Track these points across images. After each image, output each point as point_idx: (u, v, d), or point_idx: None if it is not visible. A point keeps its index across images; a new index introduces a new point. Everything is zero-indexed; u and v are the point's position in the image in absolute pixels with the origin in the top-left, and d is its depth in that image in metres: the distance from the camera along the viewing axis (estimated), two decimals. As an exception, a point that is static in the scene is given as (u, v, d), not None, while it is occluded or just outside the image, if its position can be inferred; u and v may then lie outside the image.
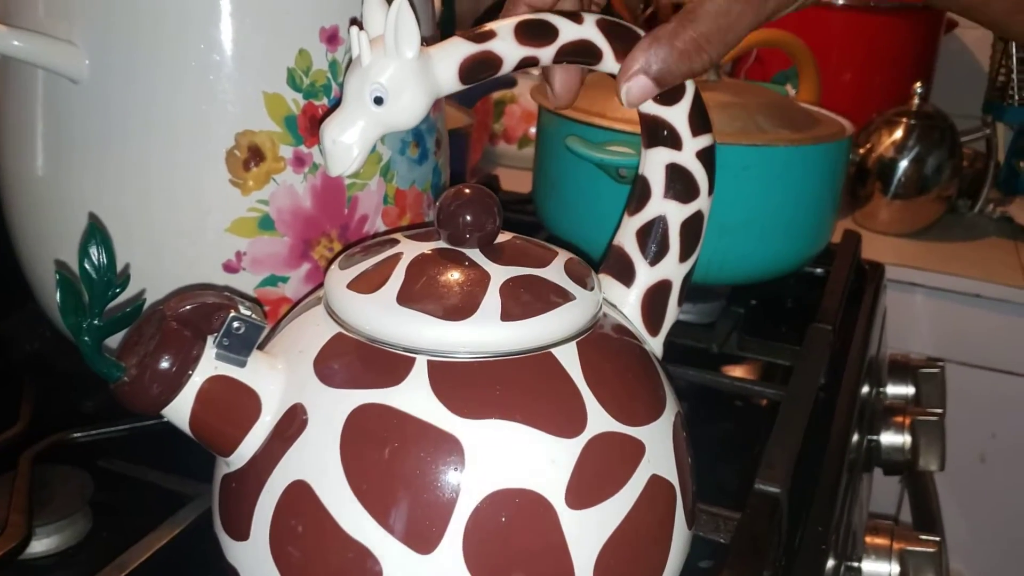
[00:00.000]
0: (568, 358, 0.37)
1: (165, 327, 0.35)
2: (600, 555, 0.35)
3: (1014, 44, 1.34)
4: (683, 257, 0.45)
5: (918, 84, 1.27)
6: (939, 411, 0.77)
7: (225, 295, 0.37)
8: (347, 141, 0.38)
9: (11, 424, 0.57)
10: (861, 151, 1.27)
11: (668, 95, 0.43)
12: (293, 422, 0.36)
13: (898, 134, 1.26)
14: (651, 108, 0.43)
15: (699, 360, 0.72)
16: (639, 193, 0.45)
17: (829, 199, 0.78)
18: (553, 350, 0.37)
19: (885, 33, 1.40)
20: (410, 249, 0.40)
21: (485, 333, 0.36)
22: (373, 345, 0.37)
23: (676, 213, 0.44)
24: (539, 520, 0.34)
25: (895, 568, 0.61)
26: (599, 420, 0.36)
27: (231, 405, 0.37)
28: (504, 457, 0.34)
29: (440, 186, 0.63)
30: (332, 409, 0.36)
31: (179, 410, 0.36)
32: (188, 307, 0.36)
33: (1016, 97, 1.35)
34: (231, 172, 0.52)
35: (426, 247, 0.40)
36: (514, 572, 0.34)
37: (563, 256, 0.42)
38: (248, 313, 0.36)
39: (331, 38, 0.52)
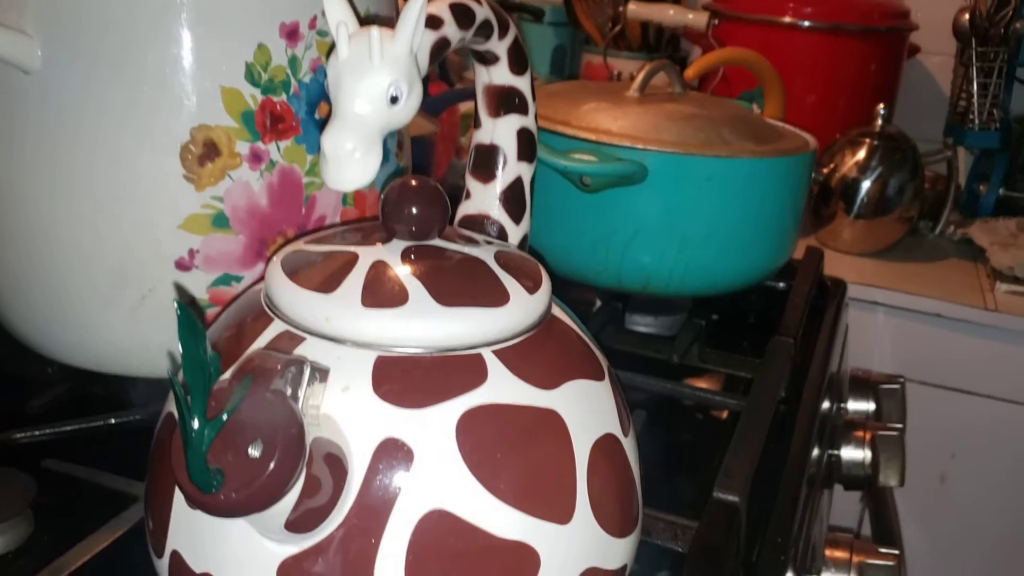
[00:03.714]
0: (564, 318, 0.42)
1: (277, 407, 0.30)
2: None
3: (975, 70, 1.36)
4: (530, 213, 0.50)
5: (881, 105, 1.28)
6: (899, 426, 0.77)
7: (264, 351, 0.33)
8: (366, 150, 0.36)
9: (-49, 425, 0.55)
10: (825, 171, 1.28)
11: (520, 65, 0.47)
12: (392, 460, 0.33)
13: (861, 154, 1.27)
14: (507, 79, 0.47)
15: (659, 371, 0.72)
16: (490, 161, 0.48)
17: (792, 212, 0.78)
18: (556, 316, 0.41)
19: (849, 56, 1.41)
20: (377, 253, 0.38)
21: (527, 310, 0.38)
22: (432, 356, 0.35)
23: (527, 173, 0.49)
24: (620, 453, 0.39)
25: (854, 582, 0.61)
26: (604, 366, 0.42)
27: (321, 476, 0.32)
28: (588, 412, 0.38)
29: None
30: (433, 428, 0.34)
31: (286, 503, 0.31)
32: (277, 372, 0.31)
33: (976, 122, 1.37)
34: (185, 167, 0.51)
35: (388, 250, 0.39)
36: (621, 498, 0.39)
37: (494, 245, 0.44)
38: (313, 358, 0.33)
39: (291, 34, 0.52)
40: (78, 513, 0.51)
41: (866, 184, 1.26)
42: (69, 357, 0.57)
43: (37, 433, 0.54)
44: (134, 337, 0.54)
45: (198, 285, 0.53)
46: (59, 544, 0.47)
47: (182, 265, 0.52)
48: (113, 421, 0.55)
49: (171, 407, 0.38)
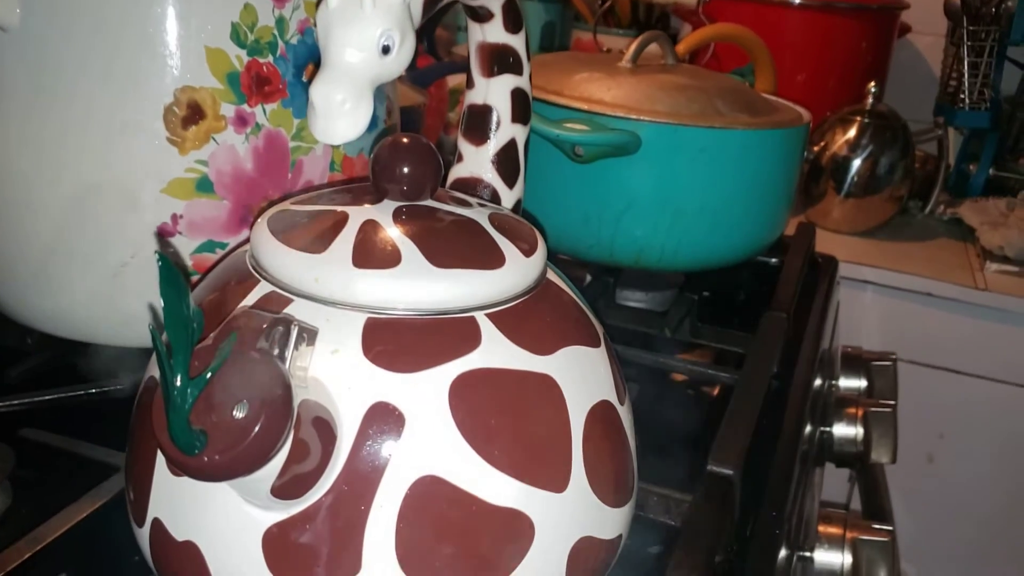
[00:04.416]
0: (560, 283, 0.41)
1: (263, 367, 0.28)
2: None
3: (966, 49, 1.35)
4: (523, 178, 0.49)
5: (872, 84, 1.28)
6: (892, 403, 0.77)
7: (250, 310, 0.32)
8: (356, 101, 0.34)
9: (-73, 394, 0.54)
10: (815, 149, 1.27)
11: (514, 23, 0.46)
12: (383, 425, 0.32)
13: (852, 132, 1.26)
14: (501, 36, 0.46)
15: (651, 345, 0.71)
16: (483, 122, 0.47)
17: (785, 186, 0.77)
18: (551, 281, 0.40)
19: (840, 34, 1.40)
20: (367, 213, 0.37)
21: (522, 273, 0.37)
22: (425, 318, 0.34)
23: (521, 135, 0.48)
24: (616, 420, 0.38)
25: (847, 558, 0.60)
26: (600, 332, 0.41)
27: (309, 440, 0.31)
28: (584, 379, 0.37)
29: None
30: (425, 393, 0.33)
31: (272, 468, 0.29)
32: (263, 331, 0.29)
33: (967, 101, 1.36)
34: (169, 130, 0.49)
35: (379, 210, 0.38)
36: (617, 467, 0.38)
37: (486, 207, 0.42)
38: (301, 319, 0.32)
39: (278, -7, 0.50)
40: (57, 484, 0.50)
41: (856, 162, 1.26)
42: (49, 326, 0.55)
43: (15, 403, 0.53)
44: (115, 305, 0.53)
45: (181, 252, 0.51)
46: (37, 515, 0.45)
47: (165, 231, 0.50)
48: (93, 391, 0.54)
49: (153, 371, 0.37)
